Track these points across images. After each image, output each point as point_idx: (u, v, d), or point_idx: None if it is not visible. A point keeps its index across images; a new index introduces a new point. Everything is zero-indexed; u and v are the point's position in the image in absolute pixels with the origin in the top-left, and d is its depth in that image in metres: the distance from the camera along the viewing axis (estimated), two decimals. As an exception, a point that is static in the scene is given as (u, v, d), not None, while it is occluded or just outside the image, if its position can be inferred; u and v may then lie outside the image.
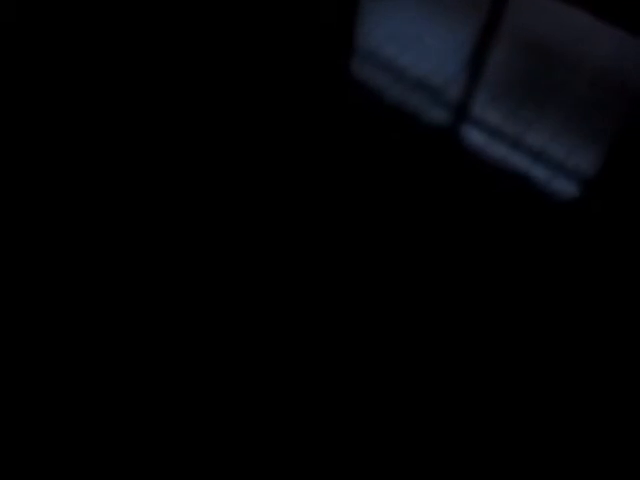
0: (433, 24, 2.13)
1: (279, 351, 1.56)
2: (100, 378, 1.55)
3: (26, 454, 1.37)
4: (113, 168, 2.02)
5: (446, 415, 1.40)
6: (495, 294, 1.57)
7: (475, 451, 1.33)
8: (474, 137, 1.89)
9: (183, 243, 1.80)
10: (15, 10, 2.28)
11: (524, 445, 1.34)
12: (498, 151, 1.85)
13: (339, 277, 1.62)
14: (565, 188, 1.75)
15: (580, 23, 2.18)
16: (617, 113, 1.96)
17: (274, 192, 1.80)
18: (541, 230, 1.68)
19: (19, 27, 2.29)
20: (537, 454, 1.31)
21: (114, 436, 1.41)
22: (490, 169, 1.80)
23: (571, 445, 1.34)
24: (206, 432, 1.41)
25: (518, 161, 1.82)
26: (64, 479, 1.31)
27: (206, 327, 1.64)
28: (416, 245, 1.66)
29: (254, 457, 1.34)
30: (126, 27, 2.47)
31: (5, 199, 1.97)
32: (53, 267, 1.82)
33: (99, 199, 1.94)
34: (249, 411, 1.44)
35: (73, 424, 1.44)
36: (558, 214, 1.70)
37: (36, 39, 2.30)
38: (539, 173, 1.79)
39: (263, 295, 1.65)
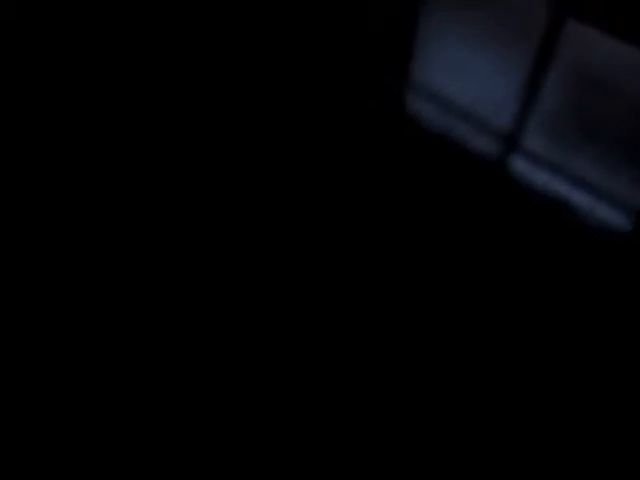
0: (484, 53, 2.28)
1: (278, 351, 1.52)
2: (98, 378, 1.55)
3: (26, 454, 1.42)
4: (113, 169, 2.03)
5: (445, 417, 1.39)
6: (533, 324, 1.54)
7: (474, 454, 1.32)
8: (522, 166, 1.92)
9: (188, 246, 1.77)
10: (15, 10, 2.34)
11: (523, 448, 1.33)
12: (545, 179, 1.88)
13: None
14: (615, 220, 1.78)
15: (631, 56, 2.29)
16: None
17: (316, 218, 1.81)
18: (589, 263, 1.68)
19: (19, 27, 2.33)
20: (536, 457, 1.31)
21: (113, 437, 1.42)
22: (537, 198, 1.83)
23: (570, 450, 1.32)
24: (203, 434, 1.39)
25: (566, 190, 1.85)
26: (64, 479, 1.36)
27: (204, 329, 1.60)
28: (458, 271, 1.67)
29: (252, 459, 1.32)
30: (129, 28, 2.48)
31: (5, 200, 2.01)
32: (53, 267, 1.82)
33: (98, 200, 1.95)
34: (248, 412, 1.42)
35: (73, 424, 1.46)
36: (607, 246, 1.71)
37: (36, 39, 2.34)
38: (586, 203, 1.82)
39: (264, 296, 1.61)
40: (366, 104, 2.13)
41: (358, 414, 1.40)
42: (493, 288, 1.61)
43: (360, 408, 1.41)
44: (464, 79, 2.17)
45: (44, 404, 1.51)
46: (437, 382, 1.43)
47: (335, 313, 1.58)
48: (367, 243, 1.75)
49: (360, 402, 1.42)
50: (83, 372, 1.56)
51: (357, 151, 2.01)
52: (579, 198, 1.81)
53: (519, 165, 1.91)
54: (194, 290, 1.68)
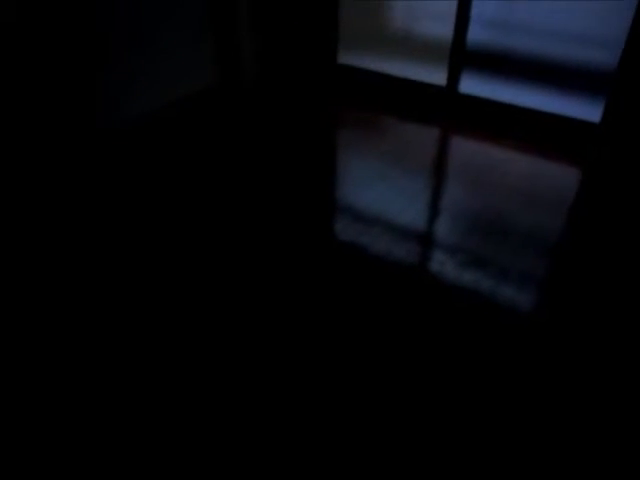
0: (395, 179, 2.71)
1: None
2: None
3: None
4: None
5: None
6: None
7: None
8: (439, 262, 2.17)
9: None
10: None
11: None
12: (461, 272, 2.12)
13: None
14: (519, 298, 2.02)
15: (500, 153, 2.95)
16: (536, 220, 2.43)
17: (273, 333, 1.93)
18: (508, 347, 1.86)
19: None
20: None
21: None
22: (460, 294, 2.02)
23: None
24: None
25: (485, 283, 2.09)
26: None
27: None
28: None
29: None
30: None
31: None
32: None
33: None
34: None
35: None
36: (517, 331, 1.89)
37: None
38: (502, 292, 2.04)
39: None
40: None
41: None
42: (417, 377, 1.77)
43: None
44: (381, 199, 2.54)
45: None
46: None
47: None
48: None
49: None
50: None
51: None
52: (487, 281, 2.07)
53: (439, 262, 2.21)
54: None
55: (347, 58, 3.68)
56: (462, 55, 3.21)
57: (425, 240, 2.32)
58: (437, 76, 3.35)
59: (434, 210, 2.53)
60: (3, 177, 2.46)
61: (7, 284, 1.96)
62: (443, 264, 2.16)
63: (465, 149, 3.04)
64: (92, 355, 1.70)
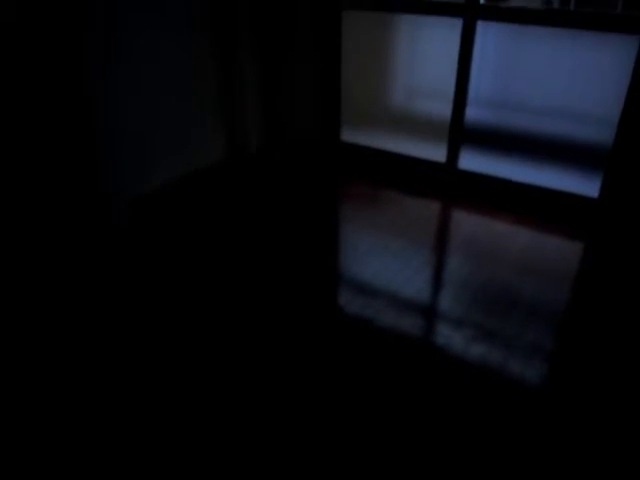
0: (398, 252, 2.75)
1: None
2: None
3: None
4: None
5: None
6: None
7: None
8: (445, 336, 2.16)
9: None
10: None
11: None
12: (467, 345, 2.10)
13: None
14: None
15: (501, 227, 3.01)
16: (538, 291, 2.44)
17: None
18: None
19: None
20: None
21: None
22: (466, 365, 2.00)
23: None
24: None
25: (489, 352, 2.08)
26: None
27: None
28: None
29: None
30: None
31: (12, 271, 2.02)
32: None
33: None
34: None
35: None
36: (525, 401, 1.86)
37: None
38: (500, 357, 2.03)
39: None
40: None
41: None
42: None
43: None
44: (385, 271, 2.55)
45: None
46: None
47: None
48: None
49: None
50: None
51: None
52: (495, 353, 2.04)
53: (442, 334, 2.20)
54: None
55: (349, 135, 3.80)
56: (461, 132, 3.32)
57: (430, 313, 2.30)
58: (437, 153, 3.44)
59: (438, 283, 2.53)
60: (9, 251, 2.48)
61: (10, 355, 1.92)
62: (449, 338, 2.13)
63: (467, 222, 3.08)
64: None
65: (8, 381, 1.84)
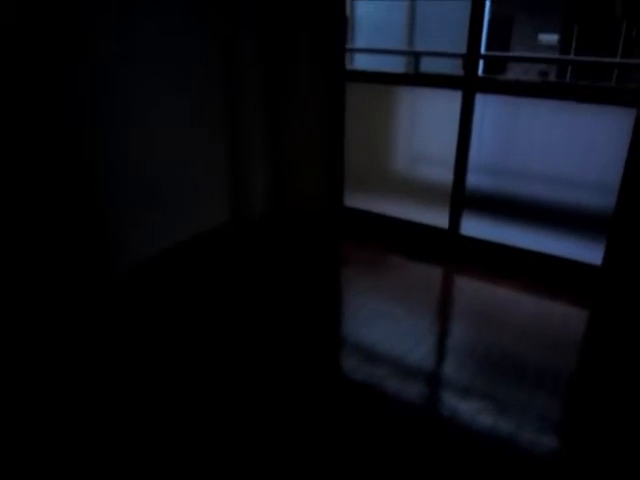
0: (401, 317, 2.73)
1: None
2: None
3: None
4: None
5: None
6: None
7: None
8: (451, 406, 2.10)
9: None
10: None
11: None
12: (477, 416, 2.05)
13: None
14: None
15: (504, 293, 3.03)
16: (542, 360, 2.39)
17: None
18: None
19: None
20: None
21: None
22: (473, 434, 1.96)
23: None
24: None
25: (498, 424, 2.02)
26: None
27: None
28: None
29: None
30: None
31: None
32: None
33: None
34: None
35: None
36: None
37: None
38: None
39: None
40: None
41: None
42: None
43: None
44: (389, 338, 2.52)
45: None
46: None
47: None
48: None
49: None
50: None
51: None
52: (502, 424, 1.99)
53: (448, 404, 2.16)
54: None
55: (353, 200, 3.86)
56: (462, 199, 3.37)
57: (435, 381, 2.26)
58: (439, 218, 3.48)
59: (442, 350, 2.50)
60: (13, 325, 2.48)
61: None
62: (455, 407, 2.08)
63: (470, 289, 3.07)
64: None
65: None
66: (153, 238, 3.16)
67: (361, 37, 9.70)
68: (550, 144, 3.04)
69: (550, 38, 10.57)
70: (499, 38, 10.48)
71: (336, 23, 3.39)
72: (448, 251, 3.47)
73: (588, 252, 3.01)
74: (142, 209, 3.05)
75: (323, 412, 2.05)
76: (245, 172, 3.67)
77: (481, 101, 3.15)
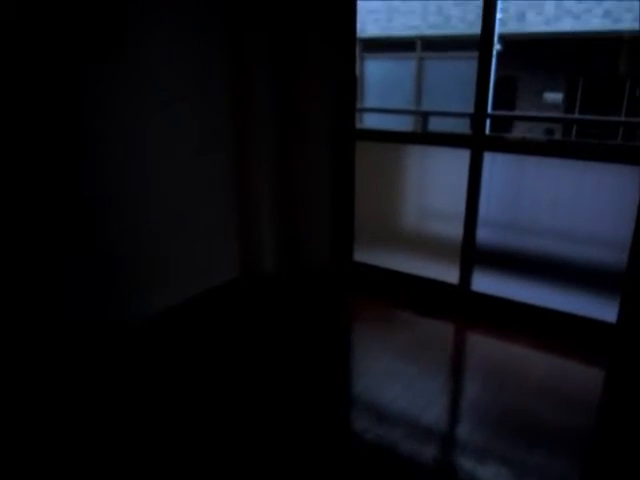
0: (413, 377, 2.68)
1: None
2: None
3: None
4: None
5: None
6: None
7: None
8: (468, 471, 2.04)
9: None
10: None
11: None
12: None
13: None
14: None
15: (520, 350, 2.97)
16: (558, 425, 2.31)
17: None
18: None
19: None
20: None
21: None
22: None
23: None
24: None
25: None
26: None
27: None
28: None
29: None
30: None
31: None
32: None
33: None
34: None
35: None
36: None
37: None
38: None
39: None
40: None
41: None
42: None
43: None
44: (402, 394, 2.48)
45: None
46: None
47: None
48: None
49: None
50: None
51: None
52: None
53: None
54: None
55: (362, 256, 3.86)
56: (473, 254, 3.37)
57: (450, 444, 2.19)
58: (450, 274, 3.47)
59: (456, 411, 2.43)
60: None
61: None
62: (473, 472, 2.00)
63: (482, 346, 3.02)
64: None
65: None
66: (165, 293, 3.17)
67: (370, 93, 10.00)
68: (559, 200, 3.06)
69: (555, 97, 10.79)
70: (505, 97, 10.72)
71: (346, 83, 3.51)
72: (459, 307, 3.44)
73: (602, 309, 2.97)
74: (154, 264, 3.07)
75: (334, 475, 1.98)
76: (254, 228, 3.71)
77: (489, 158, 3.19)
